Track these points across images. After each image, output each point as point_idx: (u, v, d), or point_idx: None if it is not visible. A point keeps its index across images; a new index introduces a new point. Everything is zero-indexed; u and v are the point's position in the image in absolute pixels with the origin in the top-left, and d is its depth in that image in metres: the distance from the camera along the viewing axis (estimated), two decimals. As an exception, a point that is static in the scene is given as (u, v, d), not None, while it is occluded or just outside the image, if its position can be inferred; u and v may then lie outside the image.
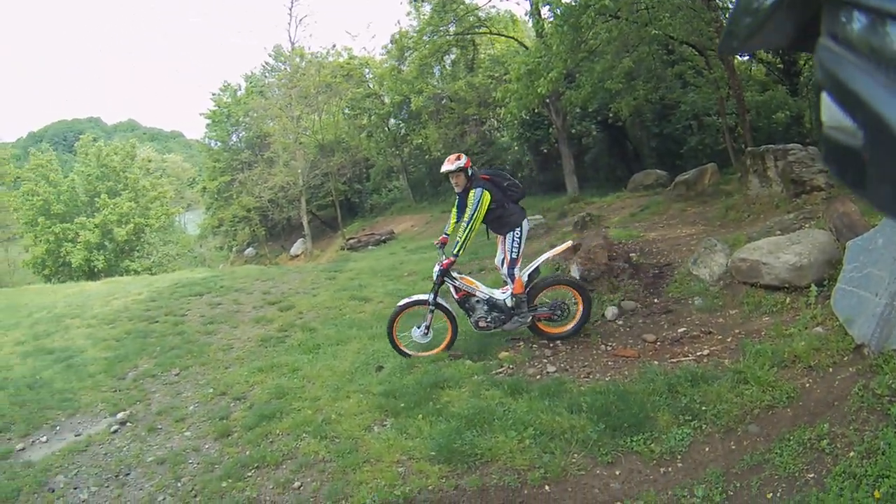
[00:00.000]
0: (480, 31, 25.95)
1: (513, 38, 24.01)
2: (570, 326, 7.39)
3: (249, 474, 5.58)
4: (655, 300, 7.78)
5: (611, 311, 7.58)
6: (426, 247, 19.94)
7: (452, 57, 31.77)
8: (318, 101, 34.97)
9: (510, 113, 19.61)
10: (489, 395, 6.01)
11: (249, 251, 43.75)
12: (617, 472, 4.42)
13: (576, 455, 4.70)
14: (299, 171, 33.96)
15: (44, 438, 7.29)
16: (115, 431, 7.11)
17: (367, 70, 38.20)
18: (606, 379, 5.98)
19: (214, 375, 8.42)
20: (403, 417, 5.93)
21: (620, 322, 7.39)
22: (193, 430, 6.83)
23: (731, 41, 0.97)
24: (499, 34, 26.05)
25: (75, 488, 5.99)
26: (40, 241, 38.49)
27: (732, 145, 16.98)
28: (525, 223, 7.55)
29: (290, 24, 41.76)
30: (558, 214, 17.68)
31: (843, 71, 0.72)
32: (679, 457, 4.47)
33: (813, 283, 6.34)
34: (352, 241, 30.12)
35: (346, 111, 38.87)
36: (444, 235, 7.82)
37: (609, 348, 6.81)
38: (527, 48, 20.80)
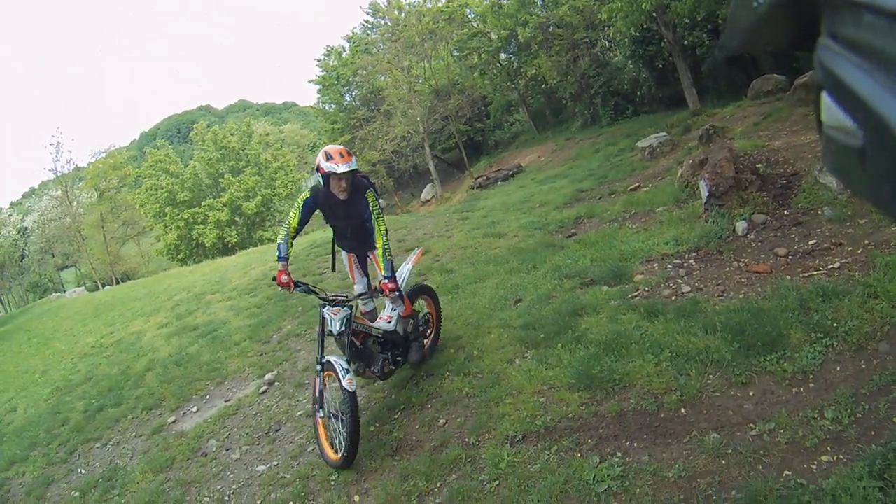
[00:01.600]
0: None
1: (608, -46, 23.10)
2: (429, 341, 6.86)
3: (396, 416, 5.86)
4: (785, 212, 7.44)
5: (741, 226, 7.34)
6: (555, 176, 19.86)
7: (552, -18, 30.83)
8: (424, 49, 35.06)
9: (619, 31, 19.09)
10: (626, 320, 6.01)
11: (380, 203, 44.50)
12: (750, 393, 4.37)
13: (711, 376, 4.68)
14: (418, 118, 34.35)
15: (194, 409, 7.80)
16: (264, 392, 7.50)
17: (468, 10, 37.80)
18: (740, 296, 5.84)
19: (357, 326, 8.64)
20: (543, 348, 6.02)
21: (751, 236, 7.13)
22: None
23: (730, 41, 0.98)
24: (593, -48, 25.03)
25: (227, 449, 6.43)
26: (171, 229, 40.91)
27: (848, 40, 15.85)
28: None
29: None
30: (682, 129, 17.04)
31: (844, 71, 0.73)
32: (811, 376, 4.36)
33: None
34: (480, 179, 30.29)
35: (455, 53, 38.91)
36: (282, 266, 5.72)
37: (741, 264, 6.60)
38: (624, -37, 20.04)
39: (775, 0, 0.83)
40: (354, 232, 6.17)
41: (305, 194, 5.94)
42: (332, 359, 5.42)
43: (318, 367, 5.49)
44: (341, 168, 5.56)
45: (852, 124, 0.71)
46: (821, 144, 0.84)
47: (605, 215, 10.55)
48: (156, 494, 5.98)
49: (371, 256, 6.41)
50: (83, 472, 7.32)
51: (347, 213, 5.96)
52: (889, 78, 0.64)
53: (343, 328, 5.49)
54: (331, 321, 5.49)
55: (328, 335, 5.61)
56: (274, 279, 5.62)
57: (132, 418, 8.26)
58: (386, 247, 5.87)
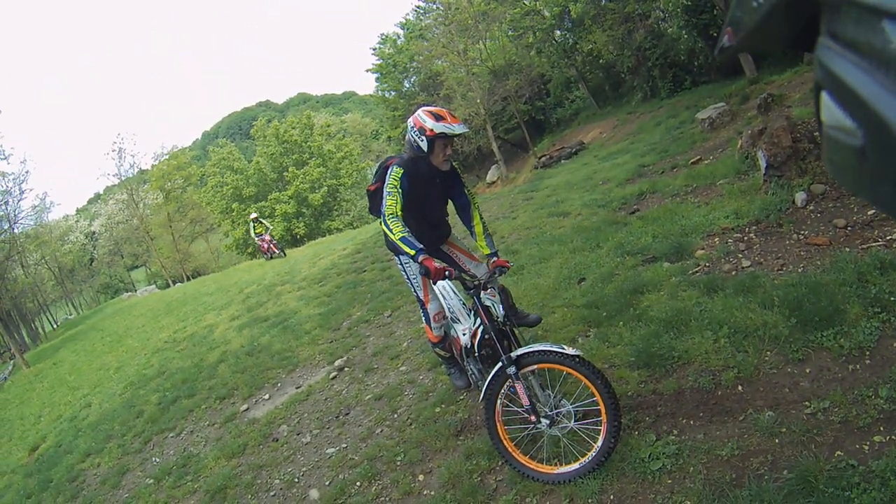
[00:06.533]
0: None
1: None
2: None
3: (461, 397, 5.92)
4: (844, 181, 7.28)
5: (800, 197, 7.18)
6: (617, 152, 19.66)
7: (601, -44, 30.32)
8: (479, 30, 35.03)
9: (671, 1, 18.75)
10: (686, 296, 6.00)
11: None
12: (807, 370, 4.34)
13: (768, 353, 4.66)
14: (478, 100, 34.36)
15: (266, 396, 8.06)
16: (334, 378, 7.70)
17: (518, -12, 37.54)
18: (799, 270, 5.77)
19: (425, 311, 8.76)
20: (605, 326, 6.07)
21: (811, 207, 6.98)
22: (408, 364, 7.28)
23: (730, 41, 0.97)
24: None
25: (298, 434, 6.65)
26: (238, 224, 42.64)
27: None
28: None
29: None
30: (740, 99, 16.65)
31: (844, 70, 0.73)
32: (867, 353, 4.29)
33: None
34: (543, 158, 30.16)
35: (510, 33, 38.60)
36: (425, 256, 4.25)
37: (801, 237, 6.49)
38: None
39: (775, 0, 0.84)
40: (440, 217, 5.31)
41: (398, 171, 4.61)
42: (526, 350, 4.28)
43: (512, 370, 4.25)
44: (458, 129, 4.62)
45: (852, 124, 0.73)
46: (821, 144, 0.84)
47: (667, 190, 10.46)
48: (228, 479, 6.27)
49: (449, 246, 5.53)
50: (157, 460, 7.69)
51: (444, 189, 5.06)
52: (889, 78, 0.64)
53: (506, 312, 4.55)
54: (494, 306, 4.60)
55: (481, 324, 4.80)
56: (427, 273, 4.20)
57: (205, 408, 8.61)
58: (484, 221, 5.13)
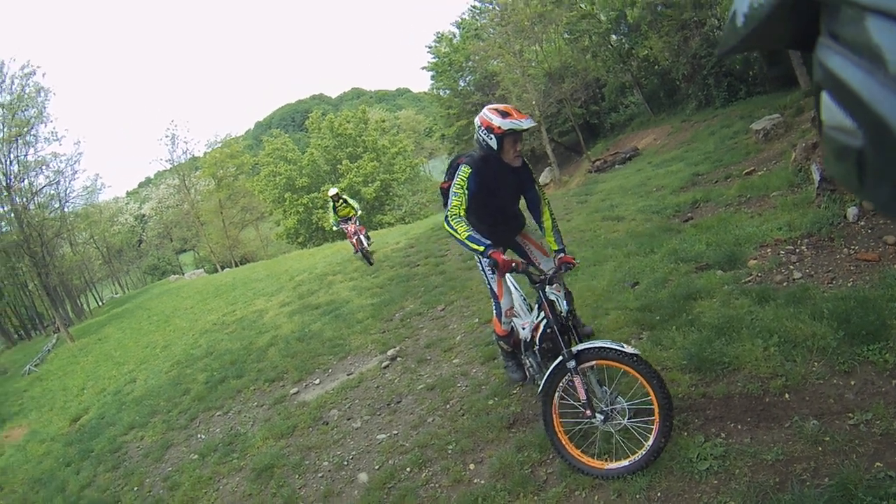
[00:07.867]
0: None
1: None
2: None
3: (515, 391, 6.03)
4: (897, 196, 7.24)
5: (852, 212, 7.19)
6: (671, 159, 19.53)
7: (658, -38, 30.04)
8: (535, 32, 34.86)
9: (726, 10, 18.74)
10: (738, 304, 6.06)
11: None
12: (852, 382, 4.41)
13: (815, 363, 4.74)
14: (533, 102, 34.24)
15: (317, 381, 8.24)
16: (386, 367, 7.84)
17: (575, -9, 37.35)
18: (849, 284, 5.82)
19: (479, 307, 8.85)
20: (658, 330, 6.16)
21: (862, 223, 7.00)
22: (461, 357, 7.39)
23: (730, 40, 0.99)
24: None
25: (348, 419, 6.82)
26: (290, 213, 43.28)
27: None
28: None
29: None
30: (795, 111, 16.56)
31: (844, 71, 0.73)
32: None
33: None
34: (598, 162, 30.02)
35: (566, 36, 38.40)
36: (494, 250, 4.39)
37: (851, 252, 6.53)
38: (726, -62, 19.53)
39: (776, 0, 0.85)
40: (514, 211, 5.30)
41: (465, 171, 4.66)
42: (586, 346, 4.39)
43: (572, 364, 4.38)
44: (525, 124, 4.53)
45: (852, 124, 0.72)
46: (821, 144, 0.97)
47: (721, 199, 10.50)
48: (275, 458, 6.49)
49: (523, 237, 5.57)
50: (203, 437, 7.96)
51: (516, 184, 5.02)
52: (889, 78, 0.64)
53: (569, 307, 4.63)
54: (559, 301, 4.63)
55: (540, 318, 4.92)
56: (496, 266, 4.35)
57: (254, 389, 8.86)
58: (554, 217, 5.07)
